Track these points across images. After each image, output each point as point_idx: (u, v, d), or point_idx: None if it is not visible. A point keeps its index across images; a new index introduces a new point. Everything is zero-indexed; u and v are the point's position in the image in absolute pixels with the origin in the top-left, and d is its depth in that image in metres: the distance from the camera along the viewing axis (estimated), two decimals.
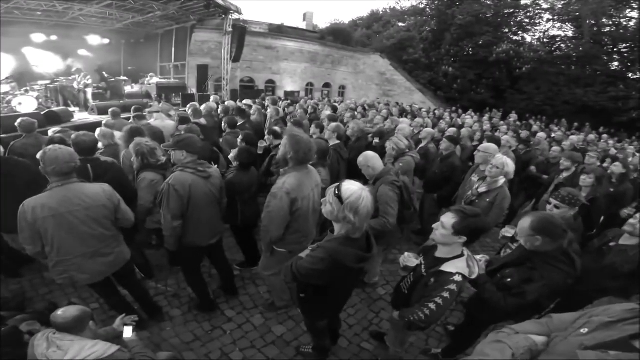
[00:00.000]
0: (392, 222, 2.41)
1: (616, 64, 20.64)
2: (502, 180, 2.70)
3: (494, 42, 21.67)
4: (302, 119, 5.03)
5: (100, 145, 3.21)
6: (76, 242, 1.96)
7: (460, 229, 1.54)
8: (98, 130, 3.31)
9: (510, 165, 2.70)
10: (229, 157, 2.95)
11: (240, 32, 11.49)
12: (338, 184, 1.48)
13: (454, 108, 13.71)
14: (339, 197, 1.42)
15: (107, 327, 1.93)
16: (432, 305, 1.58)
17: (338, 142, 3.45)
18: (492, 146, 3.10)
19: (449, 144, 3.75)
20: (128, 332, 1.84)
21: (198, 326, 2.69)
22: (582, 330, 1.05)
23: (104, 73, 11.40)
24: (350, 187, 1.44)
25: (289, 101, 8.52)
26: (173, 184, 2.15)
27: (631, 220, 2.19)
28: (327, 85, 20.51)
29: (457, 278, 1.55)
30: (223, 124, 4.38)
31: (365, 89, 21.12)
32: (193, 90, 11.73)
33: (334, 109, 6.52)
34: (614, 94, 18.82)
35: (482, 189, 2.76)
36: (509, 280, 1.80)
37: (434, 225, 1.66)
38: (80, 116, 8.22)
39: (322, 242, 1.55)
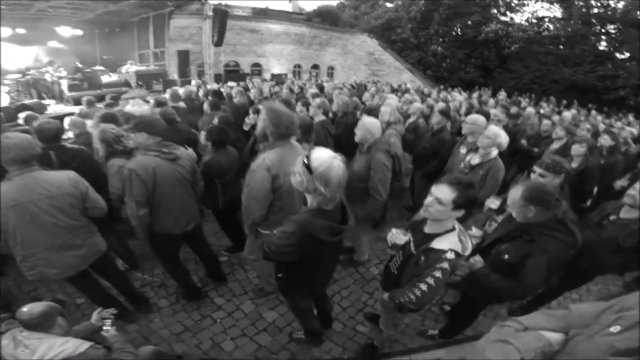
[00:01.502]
0: (385, 193, 2.31)
1: (604, 44, 20.98)
2: (495, 152, 2.61)
3: (482, 22, 21.75)
4: (288, 97, 4.84)
5: (71, 134, 3.16)
6: (41, 233, 1.83)
7: (461, 203, 1.40)
8: (68, 119, 3.25)
9: (502, 136, 2.61)
10: (201, 139, 2.80)
11: (222, 15, 11.15)
12: (307, 152, 1.36)
13: (442, 87, 13.63)
14: (307, 167, 1.32)
15: (85, 322, 1.82)
16: (422, 286, 1.46)
17: (324, 118, 3.31)
18: (480, 118, 2.99)
19: (441, 118, 3.63)
20: (107, 327, 1.75)
21: (187, 316, 2.60)
22: (612, 329, 0.85)
23: (77, 64, 11.01)
24: (320, 156, 1.34)
25: (273, 82, 8.28)
26: (134, 168, 1.98)
27: (630, 191, 2.09)
28: (315, 66, 20.31)
29: (449, 255, 1.42)
30: (205, 105, 4.21)
31: (354, 69, 20.93)
32: (175, 76, 11.40)
33: (321, 88, 6.33)
34: (602, 73, 19.22)
35: (475, 161, 2.66)
36: (506, 257, 1.69)
37: (426, 202, 1.50)
38: (56, 108, 8.08)
39: (293, 215, 1.46)
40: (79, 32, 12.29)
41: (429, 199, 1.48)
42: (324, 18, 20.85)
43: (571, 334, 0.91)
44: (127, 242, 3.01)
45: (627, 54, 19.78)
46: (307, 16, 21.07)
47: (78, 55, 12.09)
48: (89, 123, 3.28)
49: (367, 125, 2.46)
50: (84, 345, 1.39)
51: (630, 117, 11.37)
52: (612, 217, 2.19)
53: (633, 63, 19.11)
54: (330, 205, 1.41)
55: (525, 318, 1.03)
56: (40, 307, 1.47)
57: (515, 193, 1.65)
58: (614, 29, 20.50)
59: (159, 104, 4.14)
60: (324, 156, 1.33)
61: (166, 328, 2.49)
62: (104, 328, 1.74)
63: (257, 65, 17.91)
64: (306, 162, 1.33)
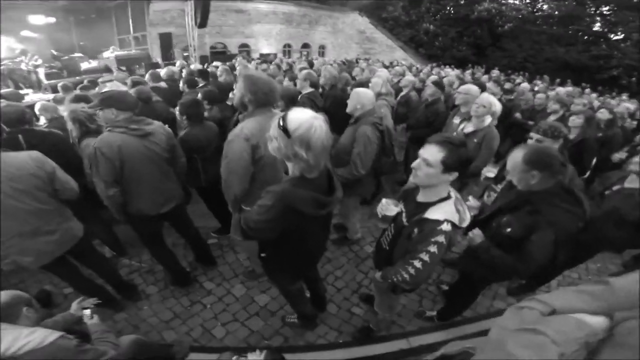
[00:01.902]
0: (363, 168, 2.18)
1: (598, 25, 20.97)
2: (488, 119, 2.52)
3: (475, 0, 21.52)
4: (275, 74, 4.64)
5: (43, 119, 3.08)
6: (7, 219, 1.69)
7: (451, 164, 1.25)
8: (39, 105, 3.12)
9: (496, 105, 2.53)
10: (177, 114, 2.68)
11: None
12: (283, 113, 1.18)
13: (434, 64, 13.47)
14: (284, 129, 1.14)
15: (64, 312, 1.73)
16: (417, 263, 1.32)
17: (312, 89, 3.15)
18: (473, 87, 2.90)
19: (435, 89, 3.54)
20: (87, 316, 1.66)
21: (176, 302, 2.53)
22: None
23: (53, 51, 10.60)
24: (298, 116, 1.15)
25: (260, 60, 8.01)
26: (99, 146, 1.86)
27: (635, 159, 1.99)
28: (305, 45, 19.92)
29: (445, 227, 1.26)
30: (181, 85, 4.06)
31: (345, 47, 20.62)
32: (158, 59, 11.01)
33: (311, 64, 6.12)
34: (595, 53, 19.35)
35: (469, 129, 2.58)
36: (508, 230, 1.53)
37: (413, 164, 1.34)
38: (34, 97, 7.82)
39: (272, 186, 1.27)
40: (52, 19, 11.81)
41: (416, 162, 1.33)
42: None
43: (618, 318, 0.66)
44: (113, 228, 2.91)
45: (621, 35, 19.81)
46: None
47: (54, 43, 11.68)
48: (62, 108, 3.16)
49: (359, 96, 2.33)
50: (52, 336, 1.27)
51: (624, 96, 11.40)
52: (615, 187, 2.07)
53: (628, 44, 19.19)
54: (315, 173, 1.24)
55: (551, 297, 0.77)
56: (3, 297, 1.37)
57: (516, 156, 1.48)
58: (608, 10, 20.46)
59: (135, 84, 3.93)
60: (302, 116, 1.15)
61: (155, 316, 2.42)
62: (84, 318, 1.65)
63: (245, 46, 17.45)
64: (282, 124, 1.15)
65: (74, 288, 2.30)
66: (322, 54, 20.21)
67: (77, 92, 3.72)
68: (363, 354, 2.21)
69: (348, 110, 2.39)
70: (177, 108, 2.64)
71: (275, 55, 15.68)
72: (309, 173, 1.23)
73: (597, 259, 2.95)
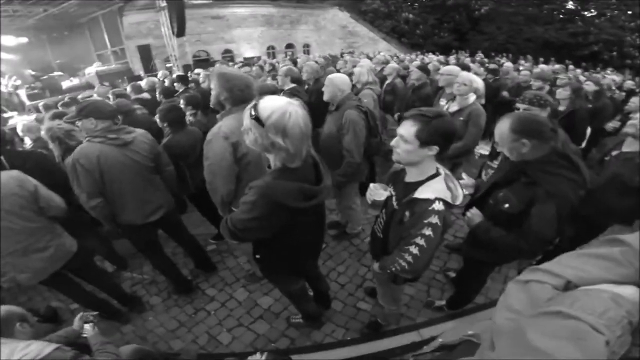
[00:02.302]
0: (359, 155, 2.15)
1: (571, 3, 21.27)
2: (472, 97, 2.51)
3: None
4: (258, 75, 4.59)
5: (28, 140, 3.08)
6: None
7: (427, 137, 1.18)
8: (21, 126, 3.11)
9: (477, 81, 2.52)
10: (157, 122, 2.63)
11: (177, 5, 10.49)
12: (254, 102, 1.13)
13: (418, 53, 13.56)
14: (256, 118, 1.08)
15: (67, 327, 1.72)
16: (413, 249, 1.24)
17: (294, 85, 3.11)
18: (455, 68, 2.90)
19: (421, 74, 3.54)
20: (88, 330, 1.64)
21: (180, 311, 2.50)
22: None
23: (30, 72, 10.42)
24: (270, 104, 1.10)
25: (241, 63, 7.97)
26: (77, 158, 1.84)
27: (631, 121, 1.88)
28: (290, 46, 19.94)
29: (437, 206, 1.18)
30: (158, 95, 3.98)
31: (329, 44, 20.63)
32: (141, 72, 10.89)
33: (294, 62, 6.07)
34: (572, 30, 19.66)
35: (454, 108, 2.56)
36: (506, 206, 1.44)
37: (392, 143, 1.27)
38: (19, 119, 7.71)
39: (254, 181, 1.19)
40: (24, 39, 11.54)
41: (394, 139, 1.27)
42: None
43: None
44: (111, 243, 2.91)
45: (595, 12, 20.23)
46: None
47: (30, 63, 11.42)
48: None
49: (336, 82, 2.27)
50: (48, 348, 1.26)
51: (608, 70, 11.60)
52: (614, 153, 1.97)
53: (602, 20, 19.61)
54: (297, 162, 1.17)
55: (558, 265, 0.62)
56: None
57: (503, 127, 1.41)
58: None
59: (117, 96, 3.88)
60: (274, 103, 1.09)
61: (161, 326, 2.40)
62: (83, 330, 1.64)
63: (228, 51, 17.39)
64: (254, 113, 1.09)
65: (78, 303, 2.31)
66: (307, 52, 20.17)
67: (56, 110, 3.65)
68: (373, 349, 2.14)
69: (326, 98, 2.34)
70: (157, 116, 2.60)
71: (259, 57, 15.56)
72: (290, 162, 1.17)
73: (608, 233, 2.83)
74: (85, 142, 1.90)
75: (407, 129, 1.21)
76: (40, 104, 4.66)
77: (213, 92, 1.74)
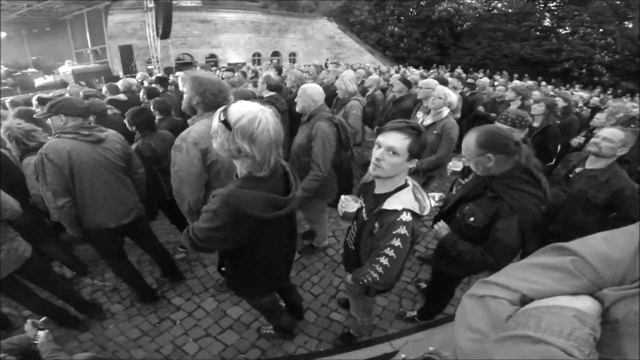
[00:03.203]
0: (325, 169, 2.11)
1: (548, 20, 22.52)
2: (446, 111, 2.57)
3: (435, 0, 22.61)
4: (240, 81, 4.54)
5: None
6: None
7: (417, 151, 1.18)
8: None
9: (452, 95, 2.59)
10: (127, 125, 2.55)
11: (165, 7, 10.40)
12: (224, 106, 1.09)
13: (400, 66, 13.90)
14: (225, 122, 1.05)
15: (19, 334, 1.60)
16: (383, 260, 1.24)
17: (272, 93, 3.04)
18: (432, 81, 2.97)
19: (402, 86, 3.57)
20: (39, 336, 1.55)
21: (144, 320, 2.39)
22: None
23: (3, 67, 9.90)
24: (240, 108, 1.06)
25: (224, 68, 7.91)
26: (46, 152, 1.72)
27: (594, 139, 1.93)
28: (276, 53, 20.01)
29: (405, 217, 1.19)
30: (142, 94, 3.90)
31: (316, 53, 20.82)
32: (119, 73, 10.58)
33: (279, 70, 6.06)
34: (547, 47, 20.73)
35: (428, 122, 2.61)
36: (472, 219, 1.46)
37: (376, 156, 1.23)
38: None
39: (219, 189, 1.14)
40: (3, 34, 10.95)
41: (378, 152, 1.22)
42: (282, 4, 20.53)
43: (610, 298, 0.48)
44: (71, 248, 2.80)
45: (569, 29, 21.44)
46: (263, 3, 20.52)
47: (4, 58, 10.83)
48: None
49: (309, 92, 2.24)
50: None
51: (577, 87, 12.26)
52: (578, 170, 2.04)
53: (575, 37, 20.78)
54: (265, 171, 1.13)
55: (508, 278, 0.60)
56: None
57: (469, 140, 1.42)
58: (555, 5, 22.16)
59: (87, 97, 3.72)
60: (245, 108, 1.06)
61: (122, 334, 2.28)
62: (35, 338, 1.54)
63: (212, 56, 17.25)
64: (223, 117, 1.05)
65: (29, 309, 2.20)
66: (293, 61, 20.30)
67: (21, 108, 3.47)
68: None
69: (298, 109, 2.31)
70: (126, 120, 2.51)
71: (243, 63, 15.45)
72: (257, 171, 1.13)
73: None
74: (55, 137, 1.80)
75: (400, 141, 1.18)
76: (7, 100, 4.37)
77: (185, 96, 1.69)
